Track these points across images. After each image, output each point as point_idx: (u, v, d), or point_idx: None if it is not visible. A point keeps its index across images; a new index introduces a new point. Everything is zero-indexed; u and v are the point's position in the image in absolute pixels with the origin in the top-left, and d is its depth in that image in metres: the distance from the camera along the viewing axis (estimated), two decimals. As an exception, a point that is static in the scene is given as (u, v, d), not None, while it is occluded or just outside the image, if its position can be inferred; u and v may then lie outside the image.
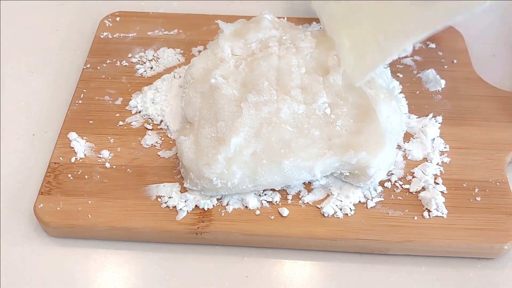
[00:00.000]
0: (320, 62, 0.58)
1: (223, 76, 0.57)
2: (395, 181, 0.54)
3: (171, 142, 0.57)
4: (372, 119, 0.53)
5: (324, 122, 0.54)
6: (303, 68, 0.58)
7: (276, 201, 0.52)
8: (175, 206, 0.52)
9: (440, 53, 0.66)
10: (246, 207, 0.52)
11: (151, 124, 0.59)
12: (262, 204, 0.52)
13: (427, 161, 0.55)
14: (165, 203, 0.52)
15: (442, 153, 0.56)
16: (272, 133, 0.52)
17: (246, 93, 0.55)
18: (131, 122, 0.59)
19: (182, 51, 0.66)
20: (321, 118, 0.54)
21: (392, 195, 0.53)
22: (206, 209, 0.52)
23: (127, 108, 0.60)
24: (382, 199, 0.53)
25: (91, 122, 0.59)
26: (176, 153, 0.55)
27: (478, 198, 0.52)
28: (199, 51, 0.66)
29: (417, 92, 0.62)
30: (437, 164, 0.55)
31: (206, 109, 0.55)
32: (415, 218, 0.51)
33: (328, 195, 0.53)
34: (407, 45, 0.50)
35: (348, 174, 0.52)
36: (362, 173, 0.51)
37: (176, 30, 0.68)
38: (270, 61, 0.58)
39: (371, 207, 0.52)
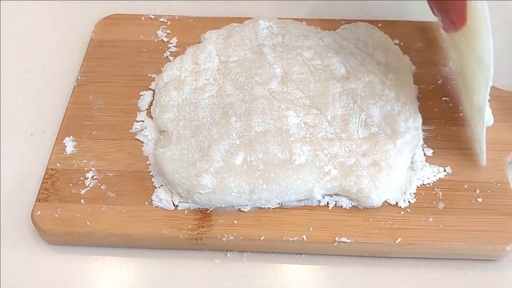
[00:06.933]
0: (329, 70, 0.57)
1: (205, 83, 0.56)
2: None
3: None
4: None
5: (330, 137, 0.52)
6: (308, 75, 0.56)
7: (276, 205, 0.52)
8: (174, 212, 0.51)
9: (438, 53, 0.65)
10: (245, 211, 0.51)
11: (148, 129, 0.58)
12: (262, 208, 0.52)
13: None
14: (164, 208, 0.51)
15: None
16: (267, 145, 0.51)
17: (237, 101, 0.54)
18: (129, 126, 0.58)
19: (178, 54, 0.66)
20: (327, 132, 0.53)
21: (393, 198, 0.53)
22: (206, 212, 0.51)
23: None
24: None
25: (88, 126, 0.58)
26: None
27: (480, 199, 0.52)
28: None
29: (419, 96, 0.61)
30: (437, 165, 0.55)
31: (183, 118, 0.54)
32: (417, 220, 0.51)
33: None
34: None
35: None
36: (364, 202, 0.51)
37: (172, 33, 0.68)
38: (267, 67, 0.56)
39: (372, 210, 0.51)
